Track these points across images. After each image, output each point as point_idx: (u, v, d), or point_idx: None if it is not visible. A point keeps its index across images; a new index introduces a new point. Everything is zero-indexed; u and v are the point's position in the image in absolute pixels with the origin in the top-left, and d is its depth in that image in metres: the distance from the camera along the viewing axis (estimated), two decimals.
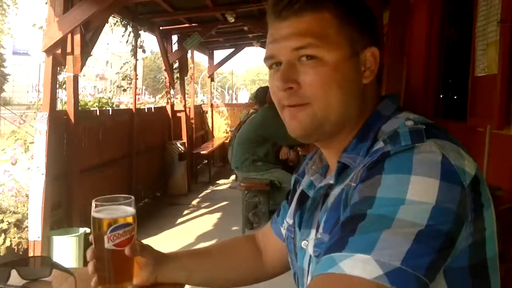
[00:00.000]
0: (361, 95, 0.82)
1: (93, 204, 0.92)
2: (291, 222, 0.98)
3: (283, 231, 1.06)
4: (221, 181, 8.55)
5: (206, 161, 9.26)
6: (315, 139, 0.87)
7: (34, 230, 3.52)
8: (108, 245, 0.89)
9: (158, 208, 6.51)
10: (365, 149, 0.78)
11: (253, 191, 5.13)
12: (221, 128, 11.03)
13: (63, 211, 4.05)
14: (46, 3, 3.92)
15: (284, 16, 0.80)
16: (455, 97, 4.89)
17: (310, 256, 0.83)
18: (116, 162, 5.68)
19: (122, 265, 0.92)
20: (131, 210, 0.94)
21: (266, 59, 0.85)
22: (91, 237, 0.94)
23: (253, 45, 10.04)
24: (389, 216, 0.62)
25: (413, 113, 0.79)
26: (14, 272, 1.08)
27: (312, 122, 0.80)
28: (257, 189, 5.04)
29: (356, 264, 0.59)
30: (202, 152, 8.44)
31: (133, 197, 0.95)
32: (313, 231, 0.84)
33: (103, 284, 0.93)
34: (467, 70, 3.54)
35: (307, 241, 0.86)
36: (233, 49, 10.31)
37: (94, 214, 0.92)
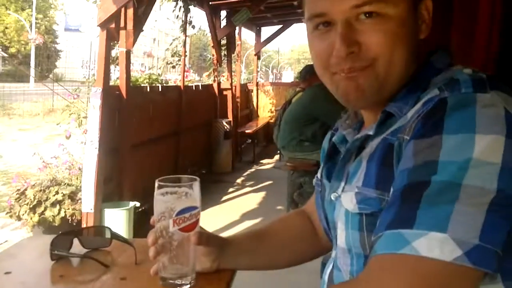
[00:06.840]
0: (416, 51, 0.76)
1: (156, 184, 0.86)
2: (319, 176, 0.95)
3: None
4: (265, 161, 8.53)
5: (250, 140, 9.27)
6: (369, 104, 0.78)
7: (87, 202, 3.63)
8: (173, 229, 0.84)
9: (203, 185, 6.40)
10: (414, 99, 0.71)
11: (299, 171, 5.08)
12: (265, 108, 10.99)
13: (114, 185, 4.13)
14: None
15: None
16: None
17: (346, 210, 0.76)
18: (164, 138, 5.75)
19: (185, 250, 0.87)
20: (197, 192, 0.88)
21: (313, 17, 0.76)
22: (153, 219, 0.88)
23: (302, 21, 9.82)
24: (456, 182, 0.56)
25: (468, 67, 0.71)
26: (76, 241, 1.10)
27: (373, 85, 0.73)
28: (303, 169, 4.99)
29: (432, 244, 0.54)
30: (247, 131, 8.44)
31: (198, 179, 0.90)
32: (342, 184, 0.80)
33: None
34: None
35: (337, 193, 0.81)
36: (281, 26, 10.10)
37: (158, 196, 0.86)
